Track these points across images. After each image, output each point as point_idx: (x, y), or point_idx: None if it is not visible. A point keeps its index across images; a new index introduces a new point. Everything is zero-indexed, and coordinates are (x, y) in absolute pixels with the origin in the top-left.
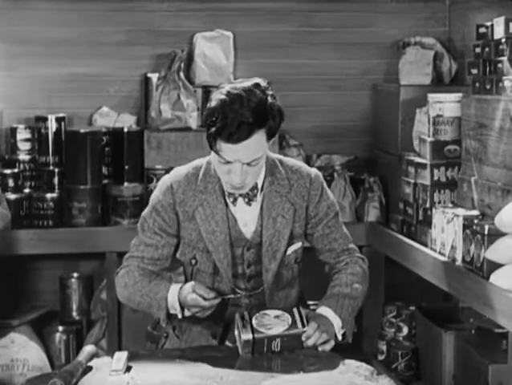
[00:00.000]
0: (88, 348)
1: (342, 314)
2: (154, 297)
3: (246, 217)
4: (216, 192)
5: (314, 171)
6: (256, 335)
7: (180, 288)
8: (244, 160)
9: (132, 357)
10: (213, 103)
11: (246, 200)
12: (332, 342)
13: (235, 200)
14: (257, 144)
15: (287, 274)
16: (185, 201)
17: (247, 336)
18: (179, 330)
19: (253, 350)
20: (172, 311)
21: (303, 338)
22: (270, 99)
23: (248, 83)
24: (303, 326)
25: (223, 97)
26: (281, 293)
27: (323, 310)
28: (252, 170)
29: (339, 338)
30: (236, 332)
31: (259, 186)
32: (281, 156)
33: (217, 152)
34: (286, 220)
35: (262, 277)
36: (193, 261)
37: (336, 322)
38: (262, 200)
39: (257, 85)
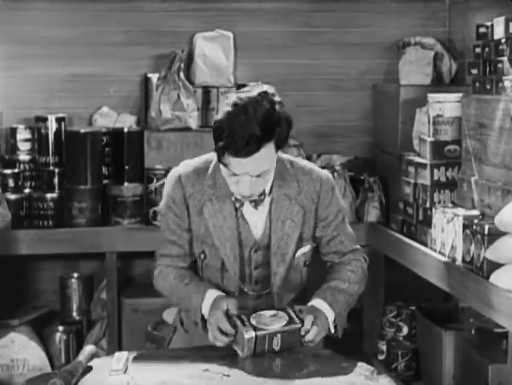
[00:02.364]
0: (88, 348)
1: (336, 308)
2: (190, 304)
3: (255, 218)
4: (225, 188)
5: (325, 173)
6: (258, 332)
7: (214, 301)
8: (253, 172)
9: (132, 357)
10: (219, 116)
11: (253, 204)
12: (323, 333)
13: (242, 204)
14: (265, 157)
15: (295, 277)
16: (194, 195)
17: (250, 334)
18: (187, 323)
19: (255, 350)
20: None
21: (302, 333)
22: (277, 108)
23: (254, 93)
24: (301, 320)
25: (230, 109)
26: (290, 296)
27: (318, 303)
28: (261, 181)
29: (332, 330)
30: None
31: (267, 191)
32: (292, 158)
33: (225, 166)
34: (295, 224)
35: (271, 280)
36: (202, 256)
37: (330, 315)
38: (271, 203)
39: (264, 93)
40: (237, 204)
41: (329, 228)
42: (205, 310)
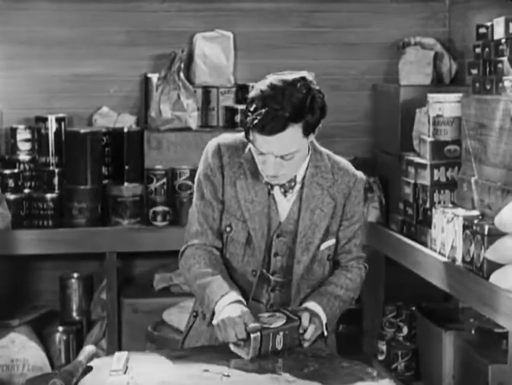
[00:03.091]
0: (88, 348)
1: (329, 313)
2: (208, 295)
3: (283, 203)
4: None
5: (360, 173)
6: (263, 331)
7: (230, 303)
8: (277, 152)
9: (132, 357)
10: (253, 93)
11: (282, 190)
12: (318, 331)
13: (271, 188)
14: (291, 138)
15: (319, 271)
16: (230, 165)
17: (255, 333)
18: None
19: (260, 350)
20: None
21: (301, 331)
22: (312, 95)
23: (293, 76)
24: (298, 317)
25: (265, 88)
26: (309, 291)
27: (313, 306)
28: (287, 164)
29: (325, 333)
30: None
31: (298, 179)
32: (330, 152)
33: (251, 143)
34: (324, 214)
35: (293, 268)
36: (228, 229)
37: (323, 320)
38: (302, 190)
39: (302, 79)
40: (268, 187)
41: (351, 228)
42: (219, 307)
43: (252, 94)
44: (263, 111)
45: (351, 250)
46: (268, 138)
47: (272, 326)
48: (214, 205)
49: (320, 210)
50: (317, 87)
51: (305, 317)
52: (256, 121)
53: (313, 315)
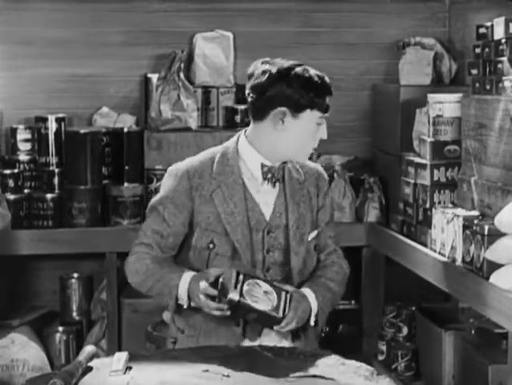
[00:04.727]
0: (88, 348)
1: (321, 302)
2: (166, 283)
3: (265, 199)
4: (234, 174)
5: (320, 167)
6: (242, 300)
7: (192, 278)
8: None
9: (132, 357)
10: (276, 85)
11: (273, 180)
12: (295, 326)
13: (269, 180)
14: None
15: (310, 262)
16: (202, 185)
17: (234, 296)
18: (191, 329)
19: (232, 311)
20: (179, 301)
21: (275, 327)
22: None
23: (291, 62)
24: (284, 311)
25: (289, 66)
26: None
27: (307, 292)
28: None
29: (312, 323)
30: (221, 287)
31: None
32: None
33: (315, 109)
34: (306, 206)
35: (291, 262)
36: (211, 246)
37: (314, 308)
38: (285, 185)
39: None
40: (263, 178)
41: (322, 219)
42: (182, 290)
43: (271, 77)
44: (314, 79)
45: (327, 243)
46: (328, 98)
47: (253, 304)
48: (170, 224)
49: (303, 202)
50: None
51: (288, 318)
52: (315, 87)
53: (299, 308)
